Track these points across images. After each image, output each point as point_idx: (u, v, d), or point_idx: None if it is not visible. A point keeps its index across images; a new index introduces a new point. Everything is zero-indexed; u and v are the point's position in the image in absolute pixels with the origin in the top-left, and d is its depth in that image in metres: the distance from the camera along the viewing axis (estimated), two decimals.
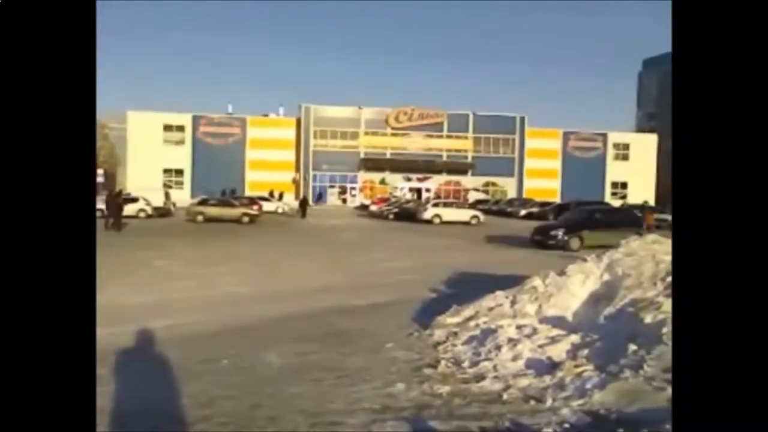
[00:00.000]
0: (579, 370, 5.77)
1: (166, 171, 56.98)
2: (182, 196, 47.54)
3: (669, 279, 7.14)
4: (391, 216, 39.45)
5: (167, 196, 38.95)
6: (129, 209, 33.73)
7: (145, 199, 35.16)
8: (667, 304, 6.44)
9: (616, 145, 65.29)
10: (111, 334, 7.55)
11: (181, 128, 58.16)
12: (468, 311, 8.11)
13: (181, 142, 58.05)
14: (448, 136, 60.49)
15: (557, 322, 7.37)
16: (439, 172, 60.11)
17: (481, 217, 37.66)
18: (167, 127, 57.81)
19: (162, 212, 35.55)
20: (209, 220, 31.96)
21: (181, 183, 56.80)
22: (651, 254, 7.84)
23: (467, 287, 10.78)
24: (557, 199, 54.31)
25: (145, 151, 55.47)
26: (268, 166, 57.44)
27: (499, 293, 8.40)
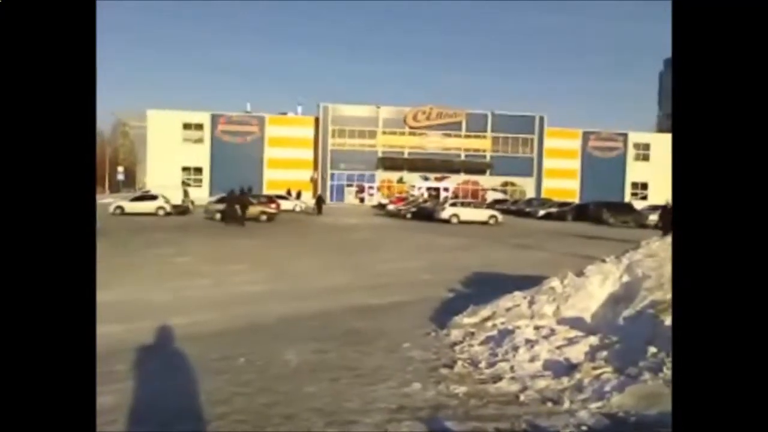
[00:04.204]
0: (597, 372, 5.70)
1: (185, 169, 57.47)
2: (201, 194, 47.94)
3: None
4: (409, 215, 39.45)
5: (186, 194, 39.29)
6: (148, 207, 34.16)
7: (164, 197, 35.48)
8: None
9: (637, 146, 64.72)
10: (129, 330, 7.62)
11: (200, 126, 58.62)
12: (485, 311, 8.05)
13: (200, 141, 58.50)
14: (467, 136, 60.34)
15: (575, 323, 7.29)
16: (457, 171, 59.98)
17: (500, 217, 37.53)
18: (186, 126, 58.32)
19: (180, 210, 35.84)
20: None
21: (200, 181, 57.27)
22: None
23: (484, 287, 10.72)
24: (576, 200, 53.98)
25: (165, 149, 55.96)
26: (286, 164, 57.70)
27: (516, 294, 8.32)
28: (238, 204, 30.24)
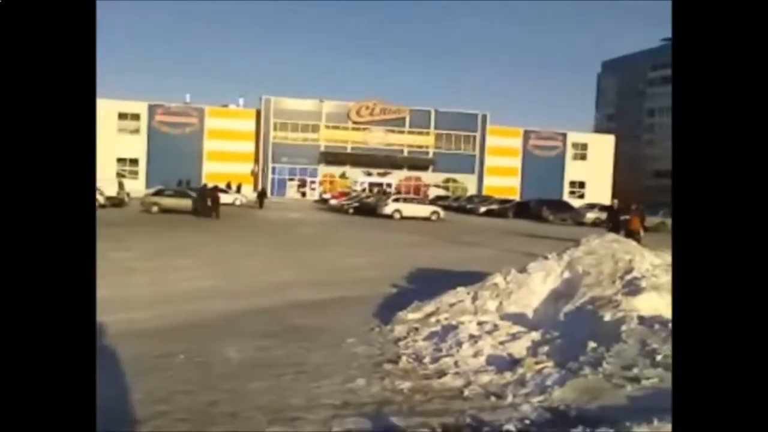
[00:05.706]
0: (539, 366, 5.81)
1: (120, 160, 55.72)
2: (137, 186, 46.61)
3: (627, 277, 7.25)
4: (351, 210, 39.44)
5: (121, 185, 38.02)
6: None
7: (97, 189, 34.23)
8: (626, 303, 6.55)
9: (575, 145, 66.42)
10: None
11: (136, 117, 56.99)
12: (429, 307, 8.09)
13: (136, 131, 56.89)
14: (410, 132, 60.68)
15: (518, 319, 7.42)
16: (399, 167, 60.25)
17: (441, 213, 37.97)
18: (122, 116, 56.51)
19: (115, 202, 34.69)
20: (164, 211, 31.29)
21: (136, 173, 55.67)
22: (611, 253, 7.95)
23: (428, 283, 10.78)
24: (517, 197, 55.00)
25: (98, 139, 53.75)
26: (227, 157, 56.67)
27: (460, 289, 8.40)
28: (210, 197, 30.61)
